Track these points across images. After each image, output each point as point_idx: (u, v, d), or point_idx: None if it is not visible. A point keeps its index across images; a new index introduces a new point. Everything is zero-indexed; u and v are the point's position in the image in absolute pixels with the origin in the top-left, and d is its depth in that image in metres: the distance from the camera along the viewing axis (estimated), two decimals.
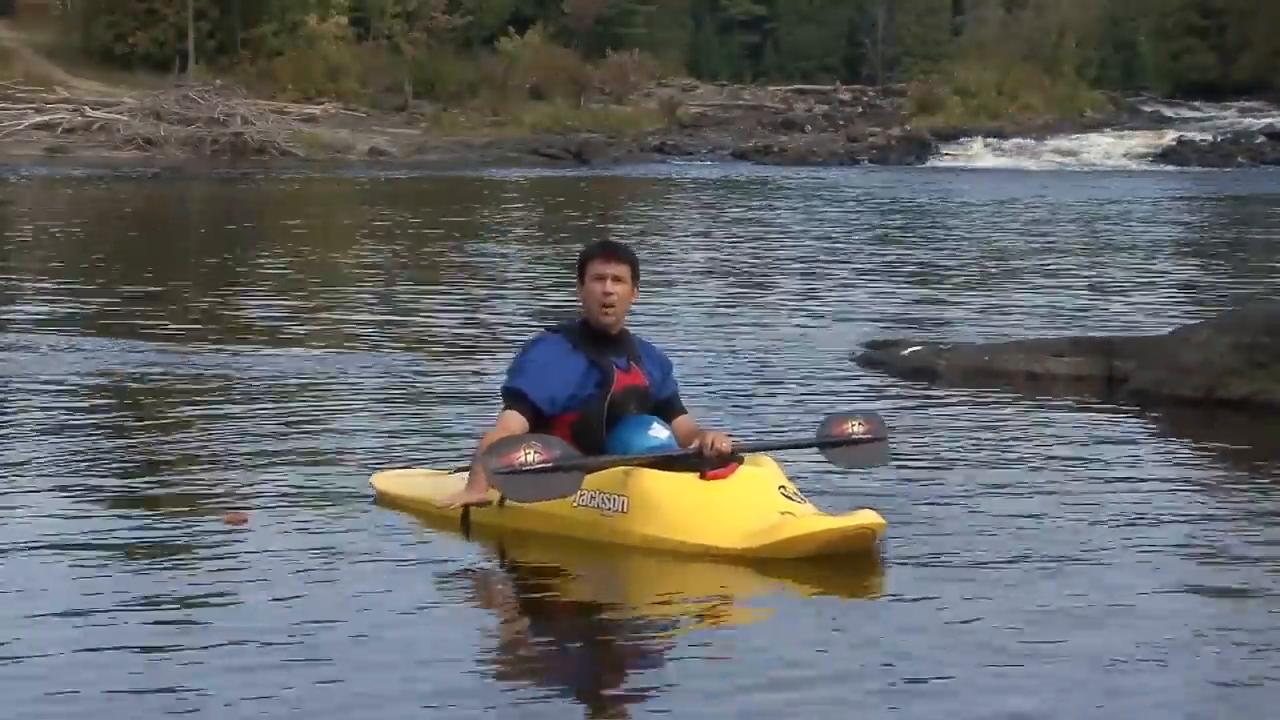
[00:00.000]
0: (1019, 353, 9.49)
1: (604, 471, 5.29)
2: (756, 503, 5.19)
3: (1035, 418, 7.99)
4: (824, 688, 3.98)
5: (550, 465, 5.18)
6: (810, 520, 5.11)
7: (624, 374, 5.54)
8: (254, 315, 12.24)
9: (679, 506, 5.17)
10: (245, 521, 5.42)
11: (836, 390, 8.80)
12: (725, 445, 5.32)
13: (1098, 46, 71.62)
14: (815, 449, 5.91)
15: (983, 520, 5.67)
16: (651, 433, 5.43)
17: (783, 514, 5.13)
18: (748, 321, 12.24)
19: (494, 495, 5.43)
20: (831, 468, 6.00)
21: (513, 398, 5.47)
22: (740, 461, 5.36)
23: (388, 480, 6.05)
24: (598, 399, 5.47)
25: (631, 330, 5.78)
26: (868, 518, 5.13)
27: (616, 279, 5.53)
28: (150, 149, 43.63)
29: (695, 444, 5.33)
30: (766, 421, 7.71)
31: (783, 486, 5.30)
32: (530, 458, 5.17)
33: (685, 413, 5.74)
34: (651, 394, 5.60)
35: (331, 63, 54.56)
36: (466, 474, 5.77)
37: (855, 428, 5.82)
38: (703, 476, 5.22)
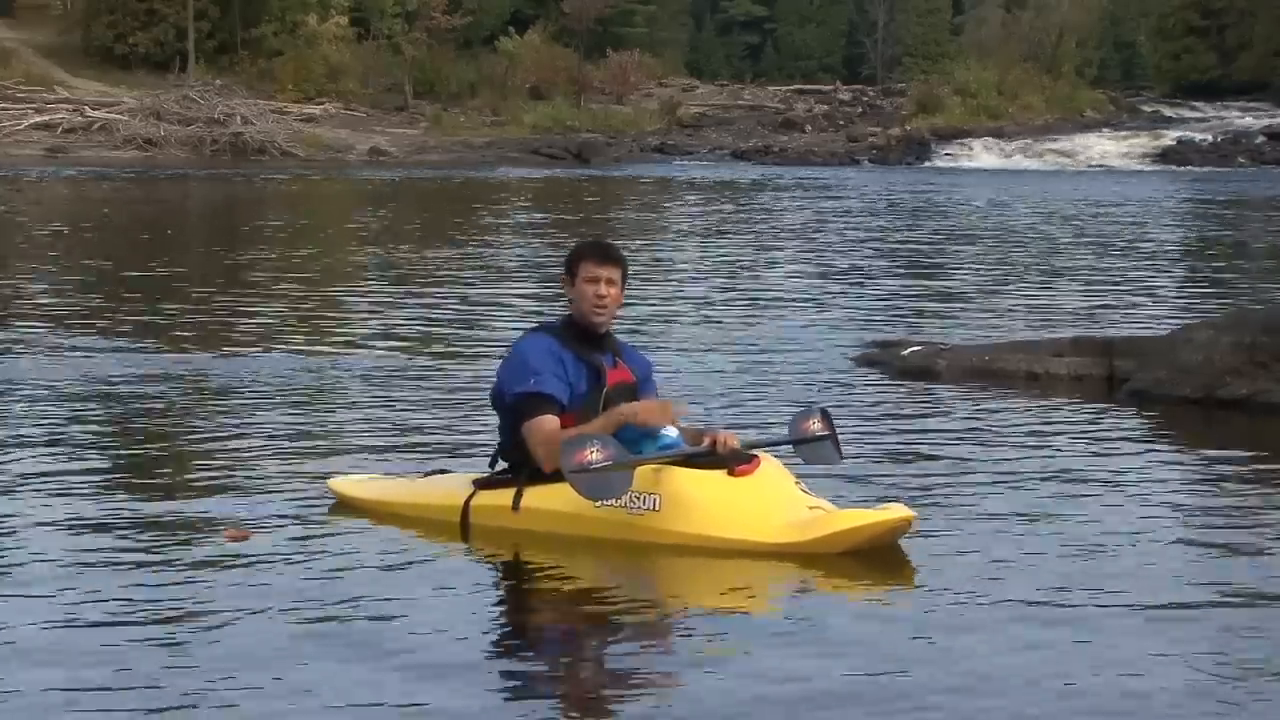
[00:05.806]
0: (1019, 353, 9.49)
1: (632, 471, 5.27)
2: (784, 498, 5.23)
3: (1035, 418, 7.98)
4: (832, 687, 3.99)
5: (611, 463, 5.15)
6: (852, 515, 5.16)
7: (613, 371, 5.55)
8: (253, 316, 12.24)
9: (713, 503, 5.18)
10: (247, 539, 5.38)
11: (836, 390, 8.79)
12: (735, 441, 5.34)
13: (1098, 46, 71.79)
14: (790, 446, 5.91)
15: (983, 520, 5.67)
16: (663, 431, 5.42)
17: (812, 509, 5.17)
18: (747, 322, 12.23)
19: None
20: (831, 467, 6.01)
21: (540, 401, 5.39)
22: (756, 458, 5.37)
23: (347, 485, 5.96)
24: (593, 396, 5.47)
25: (620, 330, 5.79)
26: (903, 511, 5.17)
27: (610, 281, 5.53)
28: (150, 149, 43.68)
29: (707, 441, 5.33)
30: (766, 421, 7.70)
31: (798, 482, 5.35)
32: (595, 456, 5.13)
33: None
34: (638, 392, 5.61)
35: (331, 63, 54.64)
36: (435, 478, 5.81)
37: (815, 425, 5.84)
38: (730, 473, 5.23)
